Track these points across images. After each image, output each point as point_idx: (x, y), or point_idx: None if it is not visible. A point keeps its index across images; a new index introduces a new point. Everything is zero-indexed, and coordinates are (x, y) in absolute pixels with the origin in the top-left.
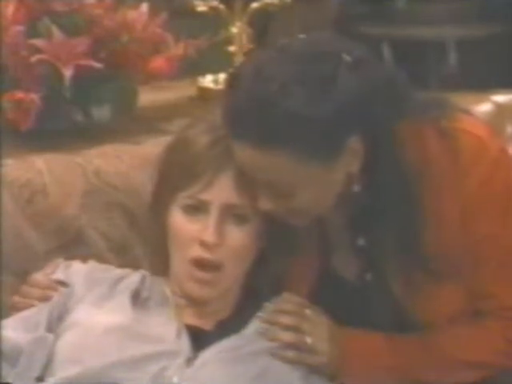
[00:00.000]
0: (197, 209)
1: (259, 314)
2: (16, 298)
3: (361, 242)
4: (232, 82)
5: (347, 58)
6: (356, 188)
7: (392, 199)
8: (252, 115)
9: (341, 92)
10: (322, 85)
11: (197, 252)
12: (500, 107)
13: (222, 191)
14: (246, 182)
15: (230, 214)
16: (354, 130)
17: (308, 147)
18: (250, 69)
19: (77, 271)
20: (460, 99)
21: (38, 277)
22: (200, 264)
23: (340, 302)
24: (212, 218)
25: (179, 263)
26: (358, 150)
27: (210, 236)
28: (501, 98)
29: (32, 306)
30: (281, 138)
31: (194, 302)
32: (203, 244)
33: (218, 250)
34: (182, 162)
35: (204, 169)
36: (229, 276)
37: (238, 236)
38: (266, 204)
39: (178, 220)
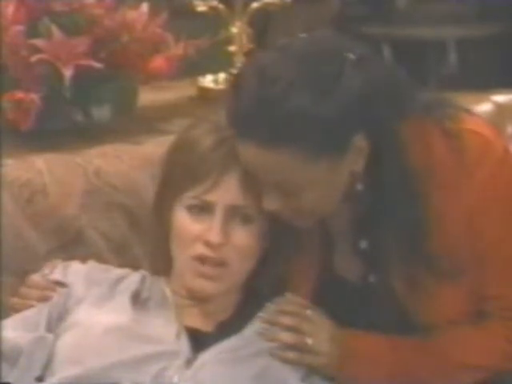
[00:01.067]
0: (201, 209)
1: (260, 314)
2: (15, 300)
3: (363, 244)
4: (236, 82)
5: (351, 56)
6: (359, 187)
7: (396, 199)
8: (257, 115)
9: (345, 90)
10: (326, 83)
11: (200, 250)
12: (500, 107)
13: (227, 192)
14: (251, 182)
15: (235, 214)
16: (358, 127)
17: (313, 146)
18: (254, 69)
19: (76, 271)
20: (460, 99)
21: (36, 278)
22: (204, 261)
23: (342, 304)
24: (217, 219)
25: (183, 261)
26: (363, 148)
27: (214, 236)
28: (501, 97)
29: (31, 306)
30: (286, 136)
31: (198, 300)
32: (208, 244)
33: (222, 250)
34: (186, 162)
35: (209, 170)
36: (233, 274)
37: (242, 236)
38: (271, 204)
39: (183, 219)
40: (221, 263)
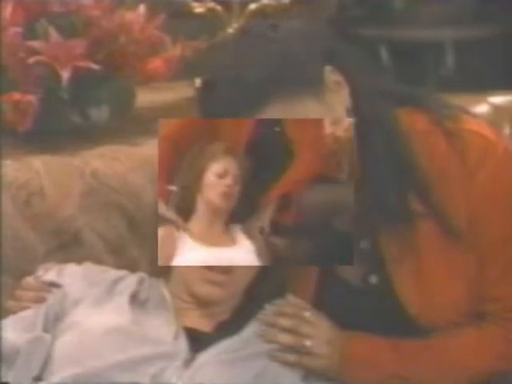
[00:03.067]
0: None
1: (259, 315)
2: (10, 303)
3: (363, 243)
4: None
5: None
6: (352, 119)
7: (397, 200)
8: (233, 94)
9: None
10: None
11: None
12: (497, 108)
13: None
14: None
15: None
16: (320, 59)
17: (288, 85)
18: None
19: (72, 272)
20: (457, 100)
21: (30, 280)
22: (211, 267)
23: (343, 305)
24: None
25: (188, 267)
26: (339, 80)
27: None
28: (498, 99)
29: (27, 308)
30: (264, 93)
31: (203, 304)
32: None
33: None
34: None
35: None
36: (239, 279)
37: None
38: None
39: None
40: (228, 270)
